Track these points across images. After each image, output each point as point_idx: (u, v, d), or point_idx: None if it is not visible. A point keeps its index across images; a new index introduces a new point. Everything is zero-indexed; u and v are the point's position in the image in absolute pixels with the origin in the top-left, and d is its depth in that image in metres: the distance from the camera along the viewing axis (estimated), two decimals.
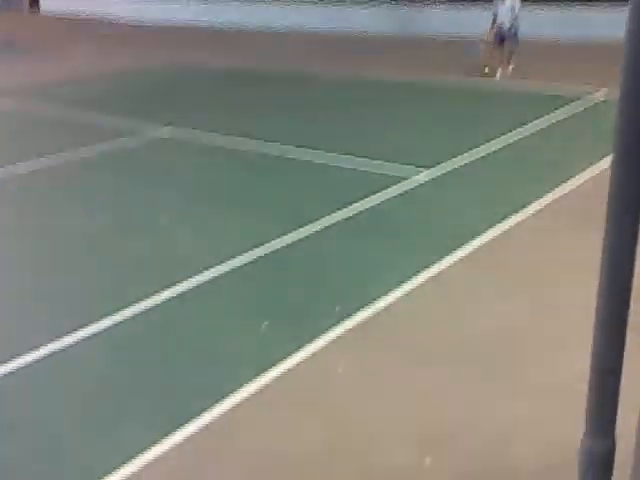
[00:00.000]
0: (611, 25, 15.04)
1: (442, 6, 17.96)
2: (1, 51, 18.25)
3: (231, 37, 19.46)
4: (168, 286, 4.93)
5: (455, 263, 5.19)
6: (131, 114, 10.48)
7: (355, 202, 6.46)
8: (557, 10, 16.20)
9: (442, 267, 5.13)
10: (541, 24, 15.53)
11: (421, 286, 4.87)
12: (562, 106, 9.90)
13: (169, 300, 4.78)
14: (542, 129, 8.92)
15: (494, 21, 12.28)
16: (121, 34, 21.32)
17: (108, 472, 3.14)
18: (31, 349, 4.17)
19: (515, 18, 12.14)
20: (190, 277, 5.07)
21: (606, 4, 15.27)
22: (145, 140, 9.14)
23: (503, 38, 12.26)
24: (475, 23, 16.65)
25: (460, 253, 5.34)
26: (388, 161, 7.70)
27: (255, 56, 15.65)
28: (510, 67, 12.39)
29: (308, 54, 15.94)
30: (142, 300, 4.73)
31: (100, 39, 20.03)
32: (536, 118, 9.27)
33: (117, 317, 4.53)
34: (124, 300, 4.73)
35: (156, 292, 4.85)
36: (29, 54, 17.52)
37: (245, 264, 5.31)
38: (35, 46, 18.80)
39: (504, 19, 12.17)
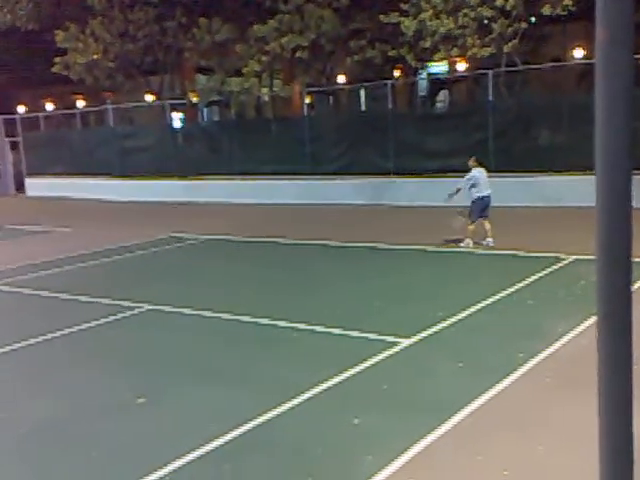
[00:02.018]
0: (574, 193, 16.00)
1: (411, 179, 18.97)
2: None
3: (219, 211, 20.18)
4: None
5: (438, 440, 5.07)
6: (113, 291, 10.53)
7: (330, 377, 6.37)
8: (520, 179, 17.17)
9: (426, 444, 5.00)
10: (506, 192, 16.41)
11: (408, 465, 4.71)
12: (538, 270, 10.17)
13: None
14: (519, 293, 9.10)
15: (456, 191, 12.32)
16: (111, 213, 22.03)
17: None
18: None
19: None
20: (159, 468, 4.87)
21: (569, 173, 16.27)
22: (128, 317, 9.12)
23: (485, 209, 12.30)
24: (438, 193, 17.66)
25: (445, 427, 5.23)
26: (367, 332, 7.73)
27: (237, 229, 16.11)
28: (490, 239, 12.25)
29: (287, 225, 16.46)
30: None
31: (87, 218, 20.63)
32: (512, 283, 9.48)
33: None
34: None
35: None
36: (17, 236, 17.91)
37: (221, 445, 5.14)
38: (24, 227, 19.25)
39: (487, 188, 12.27)
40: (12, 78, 34.21)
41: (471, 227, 12.37)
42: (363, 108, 27.47)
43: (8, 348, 8.05)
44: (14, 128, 30.63)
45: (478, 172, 12.37)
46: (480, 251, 12.08)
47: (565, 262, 10.67)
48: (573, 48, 22.92)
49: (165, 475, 4.77)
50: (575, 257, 10.77)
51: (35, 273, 12.50)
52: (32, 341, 8.25)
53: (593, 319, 7.40)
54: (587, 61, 20.84)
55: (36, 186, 29.05)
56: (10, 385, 7.03)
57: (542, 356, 6.67)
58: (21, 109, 32.56)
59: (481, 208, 12.33)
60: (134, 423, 5.79)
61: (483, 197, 12.28)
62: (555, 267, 10.42)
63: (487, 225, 12.36)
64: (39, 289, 11.14)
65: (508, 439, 5.05)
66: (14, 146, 30.97)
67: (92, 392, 6.61)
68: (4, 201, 27.74)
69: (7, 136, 31.14)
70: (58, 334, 8.49)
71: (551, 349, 6.85)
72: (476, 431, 5.20)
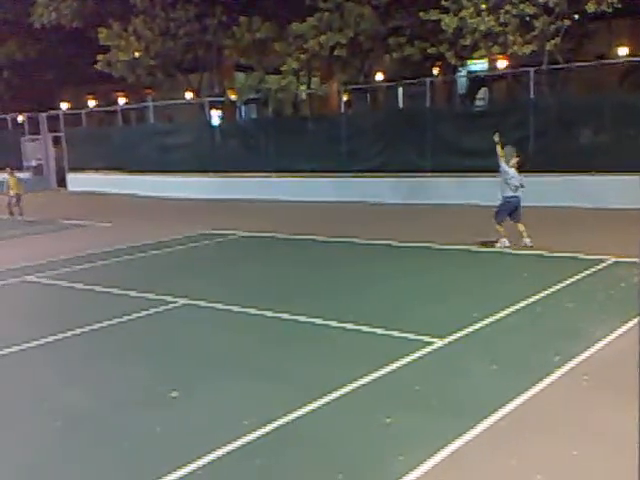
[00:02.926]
0: (616, 194, 15.70)
1: (449, 177, 18.85)
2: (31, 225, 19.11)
3: (256, 209, 20.30)
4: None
5: (471, 442, 5.01)
6: (155, 285, 10.65)
7: (363, 377, 6.34)
8: (561, 178, 16.89)
9: (458, 445, 4.95)
10: (546, 192, 16.20)
11: (439, 466, 4.66)
12: (577, 272, 9.97)
13: None
14: (557, 294, 8.94)
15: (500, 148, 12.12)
16: (149, 208, 22.33)
17: None
18: None
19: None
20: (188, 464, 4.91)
21: (610, 173, 15.96)
22: (170, 310, 9.22)
23: (516, 207, 12.13)
24: (476, 192, 17.52)
25: (478, 429, 5.17)
26: (406, 332, 7.66)
27: (272, 225, 16.16)
28: (527, 239, 12.02)
29: (321, 223, 16.46)
30: None
31: (126, 214, 20.95)
32: (550, 284, 9.31)
33: None
34: None
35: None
36: (60, 230, 18.29)
37: (252, 441, 5.15)
38: (65, 222, 19.63)
39: (516, 190, 12.07)
40: (56, 75, 34.97)
41: (499, 228, 12.24)
42: (401, 106, 27.30)
43: (44, 340, 8.22)
44: (57, 124, 31.26)
45: (513, 172, 12.16)
46: (518, 251, 11.90)
47: (605, 264, 10.44)
48: (617, 46, 22.44)
49: (196, 469, 4.79)
50: (615, 259, 10.55)
51: (81, 265, 12.78)
52: (78, 331, 8.41)
53: (633, 322, 7.24)
54: (632, 59, 20.37)
55: (77, 181, 29.58)
56: (50, 375, 7.16)
57: (580, 358, 6.53)
58: (64, 105, 33.22)
59: (509, 210, 12.18)
60: (167, 416, 5.84)
61: (511, 198, 12.11)
62: (594, 269, 10.21)
63: (520, 227, 12.15)
64: (74, 282, 11.34)
65: (543, 442, 4.96)
66: (56, 142, 31.60)
67: (127, 384, 6.69)
68: (47, 195, 28.32)
69: (50, 131, 31.80)
70: (96, 326, 8.62)
71: (589, 351, 6.71)
72: (510, 433, 5.12)
